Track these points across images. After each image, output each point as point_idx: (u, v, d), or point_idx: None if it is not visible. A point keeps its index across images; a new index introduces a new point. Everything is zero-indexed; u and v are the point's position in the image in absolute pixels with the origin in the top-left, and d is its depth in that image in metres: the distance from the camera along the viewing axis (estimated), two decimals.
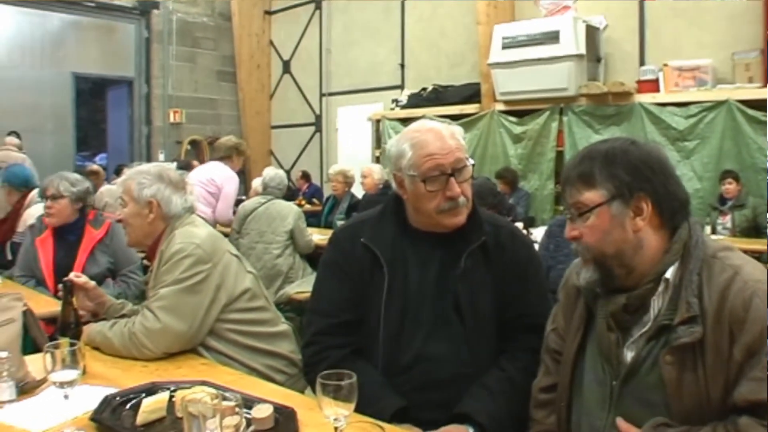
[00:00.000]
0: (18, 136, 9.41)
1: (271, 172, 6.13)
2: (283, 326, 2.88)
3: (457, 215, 2.18)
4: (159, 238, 2.76)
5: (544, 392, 2.01)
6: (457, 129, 2.26)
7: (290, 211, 5.84)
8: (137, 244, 2.91)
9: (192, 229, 2.69)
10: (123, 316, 2.88)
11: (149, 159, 11.55)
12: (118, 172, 8.55)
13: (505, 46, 8.45)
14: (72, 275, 2.71)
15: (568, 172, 1.77)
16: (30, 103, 10.71)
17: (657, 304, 1.68)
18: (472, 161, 2.21)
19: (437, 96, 9.72)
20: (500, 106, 8.97)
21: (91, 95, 12.90)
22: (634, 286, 1.71)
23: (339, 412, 1.65)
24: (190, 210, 2.82)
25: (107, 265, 4.04)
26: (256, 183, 8.35)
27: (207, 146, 12.03)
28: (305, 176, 11.35)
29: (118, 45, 11.78)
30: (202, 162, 9.40)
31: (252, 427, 1.79)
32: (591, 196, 1.71)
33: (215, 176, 6.27)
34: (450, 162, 2.13)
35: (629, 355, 1.71)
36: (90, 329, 2.58)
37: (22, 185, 5.05)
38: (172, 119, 11.92)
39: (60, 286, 2.66)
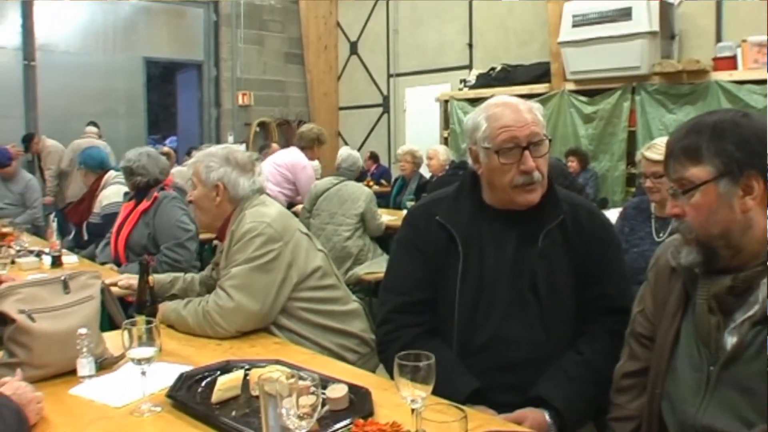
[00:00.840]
0: (96, 125, 9.71)
1: (345, 153, 6.09)
2: (354, 305, 2.86)
3: (531, 192, 2.13)
4: (228, 219, 2.77)
5: (628, 377, 1.93)
6: (535, 105, 2.20)
7: (362, 193, 5.81)
8: (207, 226, 2.91)
9: (262, 209, 2.69)
10: (173, 296, 2.93)
11: (218, 141, 11.68)
12: (189, 154, 8.69)
13: (575, 24, 8.25)
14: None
15: (673, 144, 1.66)
16: (103, 88, 10.95)
17: (766, 287, 1.56)
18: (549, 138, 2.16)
19: (506, 76, 9.56)
20: (570, 86, 8.78)
21: (161, 79, 13.10)
22: (740, 267, 1.59)
23: (416, 393, 1.62)
24: (260, 191, 2.81)
25: (147, 239, 4.13)
26: (316, 165, 8.40)
27: (275, 128, 12.11)
28: (373, 157, 11.33)
29: (187, 29, 11.91)
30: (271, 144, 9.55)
31: (327, 407, 1.77)
32: (697, 172, 1.59)
33: (291, 165, 6.49)
34: (525, 135, 2.09)
35: (730, 340, 1.61)
36: (165, 307, 2.61)
37: (97, 167, 5.14)
38: (240, 102, 12.02)
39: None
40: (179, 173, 5.96)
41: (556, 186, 2.26)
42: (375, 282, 5.28)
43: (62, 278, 2.17)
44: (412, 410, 1.64)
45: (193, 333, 2.55)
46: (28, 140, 9.11)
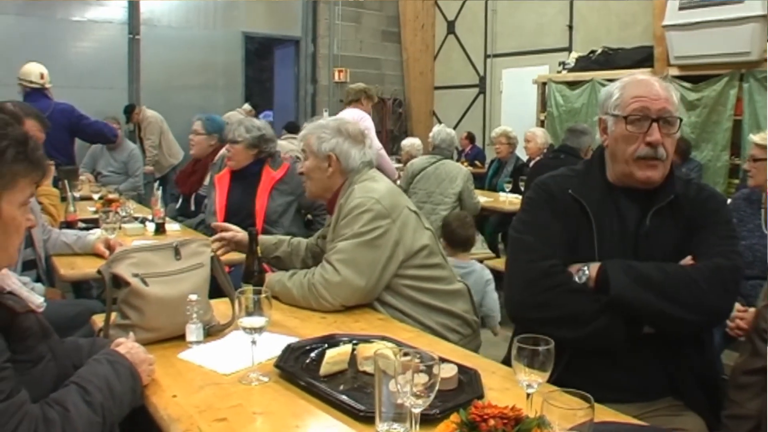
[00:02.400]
0: (254, 106, 10.19)
1: (442, 133, 6.02)
2: (459, 285, 2.81)
3: (653, 168, 2.10)
4: (338, 191, 2.76)
5: (748, 375, 1.82)
6: (671, 86, 2.18)
7: (459, 172, 5.77)
8: (317, 197, 2.93)
9: (371, 184, 2.67)
10: (277, 258, 2.96)
11: (314, 117, 11.72)
12: (288, 128, 8.77)
13: (681, 7, 7.93)
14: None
15: None
16: (203, 61, 11.16)
17: None
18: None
19: (606, 59, 9.28)
20: (674, 71, 8.42)
21: (257, 54, 13.24)
22: None
23: (532, 378, 1.57)
24: (369, 164, 2.80)
25: (284, 205, 4.12)
26: (406, 143, 8.36)
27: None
28: (470, 137, 11.22)
29: (285, 5, 12.00)
30: None
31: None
32: None
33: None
34: (656, 108, 2.08)
35: None
36: (269, 278, 2.62)
37: (214, 131, 5.23)
38: (336, 78, 12.07)
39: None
40: (280, 147, 6.00)
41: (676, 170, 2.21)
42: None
43: (174, 245, 2.20)
44: (527, 395, 1.59)
45: (296, 305, 2.56)
46: (129, 111, 9.36)
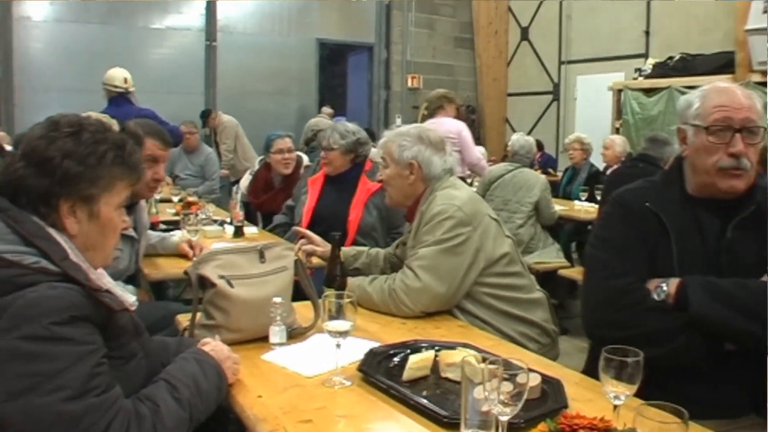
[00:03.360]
0: (332, 107, 10.49)
1: (520, 140, 5.97)
2: (538, 294, 2.79)
3: (737, 177, 2.04)
4: (418, 199, 2.76)
5: None
6: (756, 94, 2.12)
7: (537, 181, 5.70)
8: (398, 205, 2.92)
9: (453, 192, 2.67)
10: (356, 269, 2.96)
11: (386, 123, 11.85)
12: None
13: (766, 10, 7.71)
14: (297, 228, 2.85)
15: None
16: (277, 67, 11.35)
17: None
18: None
19: (685, 65, 9.06)
20: (757, 77, 8.15)
21: (330, 61, 13.36)
22: None
23: (620, 390, 1.54)
24: (450, 171, 2.79)
25: (378, 219, 4.07)
26: (482, 150, 8.32)
27: None
28: (538, 145, 11.08)
29: (359, 12, 12.10)
30: None
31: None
32: None
33: (447, 130, 6.23)
34: (740, 118, 2.02)
35: None
36: (350, 283, 2.64)
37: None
38: (410, 84, 12.10)
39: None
40: None
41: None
42: (544, 272, 5.18)
43: (259, 248, 2.24)
44: (615, 407, 1.57)
45: (376, 310, 2.57)
46: (206, 115, 9.54)
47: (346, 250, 3.01)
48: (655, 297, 2.03)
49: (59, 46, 9.93)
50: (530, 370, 1.79)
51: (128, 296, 1.68)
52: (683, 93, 8.59)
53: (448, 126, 6.21)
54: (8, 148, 7.55)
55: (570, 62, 11.55)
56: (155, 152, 3.22)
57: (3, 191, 1.57)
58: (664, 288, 2.03)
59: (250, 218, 5.21)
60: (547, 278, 5.11)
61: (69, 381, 1.43)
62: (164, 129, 3.56)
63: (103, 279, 1.64)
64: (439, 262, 2.51)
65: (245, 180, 5.94)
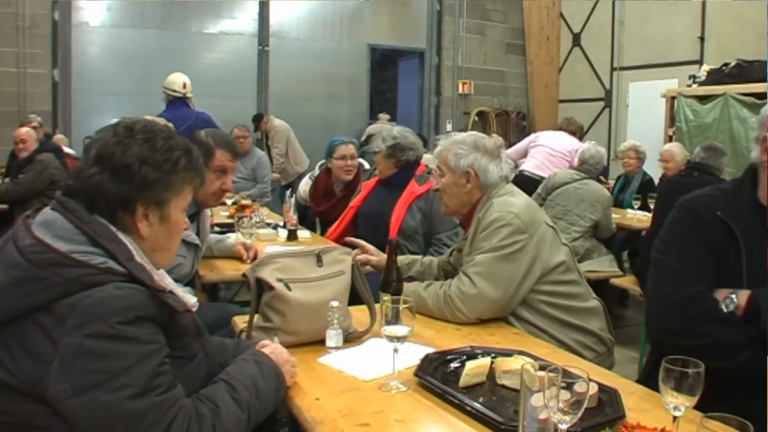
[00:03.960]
0: (388, 112, 10.62)
1: (592, 149, 5.79)
2: (594, 302, 2.77)
3: None
4: (474, 206, 2.76)
5: None
6: None
7: (601, 196, 5.53)
8: (454, 213, 2.92)
9: (510, 199, 2.67)
10: (410, 278, 2.95)
11: (437, 129, 11.87)
12: None
13: None
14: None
15: None
16: (329, 73, 11.42)
17: None
18: None
19: (741, 72, 8.86)
20: None
21: (381, 66, 13.41)
22: None
23: (680, 401, 1.53)
24: (506, 179, 2.79)
25: (418, 222, 4.09)
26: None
27: (494, 118, 12.07)
28: None
29: (410, 18, 12.12)
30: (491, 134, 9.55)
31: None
32: None
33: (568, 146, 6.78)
34: None
35: None
36: (406, 288, 2.64)
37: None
38: (460, 90, 12.06)
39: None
40: None
41: None
42: (595, 280, 5.12)
43: (316, 252, 2.26)
44: (674, 418, 1.55)
45: (431, 315, 2.58)
46: (258, 120, 9.65)
47: (400, 259, 3.01)
48: (723, 308, 1.98)
49: (115, 51, 10.15)
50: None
51: (189, 297, 1.72)
52: (738, 100, 8.46)
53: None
54: (67, 150, 7.77)
55: (622, 69, 11.41)
56: (225, 163, 3.26)
57: (75, 194, 1.61)
58: (734, 299, 1.98)
59: (308, 222, 5.25)
60: (599, 287, 5.05)
61: (133, 379, 1.47)
62: (233, 140, 3.60)
63: (165, 280, 1.68)
64: (495, 269, 2.51)
65: (305, 184, 5.94)
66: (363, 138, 6.68)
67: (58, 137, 8.06)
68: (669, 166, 6.85)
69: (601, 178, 9.79)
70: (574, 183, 5.55)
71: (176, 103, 6.38)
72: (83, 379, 1.44)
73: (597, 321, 2.71)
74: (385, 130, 4.37)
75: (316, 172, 5.77)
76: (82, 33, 10.00)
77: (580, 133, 6.98)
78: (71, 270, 1.49)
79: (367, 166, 5.09)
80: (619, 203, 7.25)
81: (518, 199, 2.69)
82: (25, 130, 6.65)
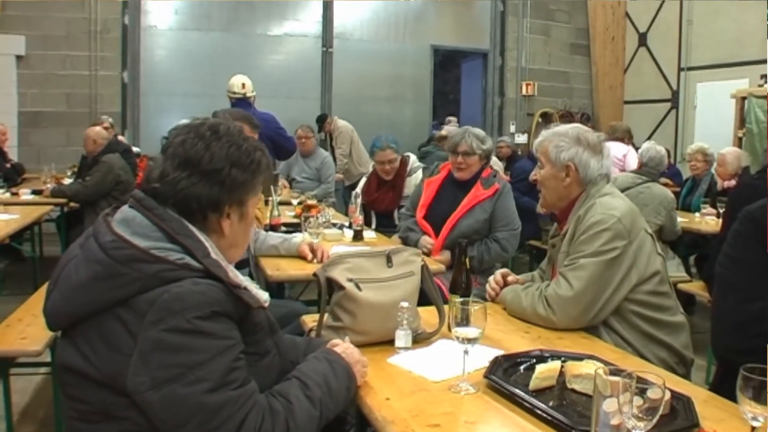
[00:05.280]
0: (452, 113, 10.84)
1: (651, 150, 5.65)
2: (681, 317, 2.67)
3: None
4: (573, 202, 2.69)
5: None
6: None
7: (664, 200, 5.41)
8: (551, 207, 2.82)
9: (612, 201, 2.59)
10: None
11: (500, 130, 11.82)
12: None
13: None
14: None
15: None
16: (392, 74, 11.49)
17: None
18: None
19: None
20: None
21: (443, 67, 13.40)
22: None
23: (759, 411, 1.50)
24: (607, 177, 2.71)
25: (482, 225, 4.17)
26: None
27: (558, 119, 11.93)
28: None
29: (474, 18, 12.08)
30: None
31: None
32: None
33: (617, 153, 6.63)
34: None
35: None
36: (505, 289, 2.68)
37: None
38: (524, 91, 11.98)
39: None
40: None
41: None
42: None
43: (386, 252, 2.28)
44: (753, 428, 1.52)
45: (521, 317, 2.57)
46: (321, 120, 9.75)
47: (524, 278, 2.95)
48: None
49: (182, 53, 10.38)
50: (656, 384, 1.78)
51: (262, 293, 1.75)
52: None
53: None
54: (136, 150, 7.95)
55: (690, 69, 11.18)
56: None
57: (162, 198, 1.65)
58: None
59: (366, 218, 5.31)
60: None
61: (209, 373, 1.50)
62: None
63: (239, 276, 1.71)
64: (594, 274, 2.45)
65: (363, 183, 6.08)
66: (426, 138, 6.69)
67: (121, 138, 8.25)
68: (720, 171, 6.70)
69: (669, 181, 9.66)
70: (636, 187, 5.42)
71: (239, 104, 6.47)
72: (161, 372, 1.48)
73: (682, 337, 2.61)
74: (472, 129, 4.39)
75: (370, 169, 6.00)
76: (150, 36, 10.26)
77: (627, 138, 6.75)
78: (150, 266, 1.53)
79: (414, 161, 5.17)
80: (687, 207, 7.10)
81: (621, 201, 2.61)
82: (93, 130, 6.80)
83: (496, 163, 7.60)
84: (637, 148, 6.76)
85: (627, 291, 2.50)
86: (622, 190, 5.39)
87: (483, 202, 4.17)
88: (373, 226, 5.35)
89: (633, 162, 6.21)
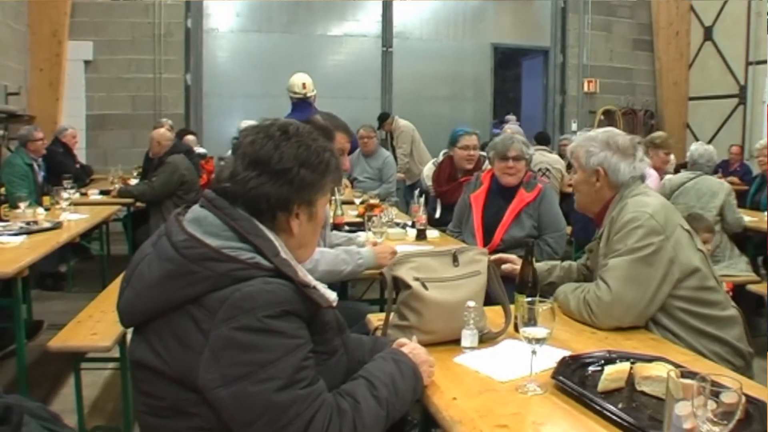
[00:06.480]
0: (506, 112, 10.82)
1: (701, 148, 5.81)
2: (733, 311, 2.64)
3: None
4: (607, 205, 2.71)
5: None
6: None
7: (720, 187, 5.54)
8: (585, 210, 2.87)
9: (644, 198, 2.59)
10: (551, 284, 2.92)
11: (562, 129, 11.71)
12: (539, 140, 8.81)
13: None
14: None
15: None
16: (452, 72, 11.48)
17: None
18: None
19: None
20: None
21: (503, 65, 13.32)
22: None
23: None
24: (641, 178, 2.72)
25: (531, 230, 4.14)
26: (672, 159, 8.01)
27: (620, 117, 11.77)
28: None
29: (534, 16, 11.99)
30: None
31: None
32: None
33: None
34: None
35: None
36: (560, 288, 2.67)
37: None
38: (586, 89, 11.84)
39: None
40: None
41: None
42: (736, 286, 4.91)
43: (452, 252, 2.28)
44: None
45: (572, 317, 2.56)
46: (382, 119, 9.75)
47: (540, 265, 2.95)
48: None
49: (243, 55, 10.56)
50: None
51: (330, 293, 1.76)
52: None
53: None
54: (199, 150, 8.09)
55: (759, 63, 10.87)
56: (344, 145, 3.36)
57: (231, 197, 1.67)
58: None
59: (430, 208, 5.33)
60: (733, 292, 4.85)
61: (279, 372, 1.52)
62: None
63: (308, 276, 1.72)
64: (632, 273, 2.44)
65: (428, 169, 6.25)
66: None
67: (189, 138, 8.40)
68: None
69: (734, 179, 9.45)
70: (690, 181, 5.60)
71: (301, 104, 6.52)
72: (231, 369, 1.50)
73: (735, 331, 2.59)
74: (514, 136, 4.37)
75: (440, 158, 6.05)
76: (212, 38, 10.46)
77: (665, 150, 6.31)
78: (221, 264, 1.56)
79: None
80: (755, 205, 6.93)
81: (653, 198, 2.61)
82: (159, 132, 6.96)
83: (558, 162, 7.51)
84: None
85: (671, 287, 2.49)
86: (678, 187, 5.45)
87: (528, 206, 4.16)
88: (437, 215, 5.37)
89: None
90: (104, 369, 4.35)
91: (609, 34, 12.09)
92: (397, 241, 4.05)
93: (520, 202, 4.17)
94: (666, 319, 2.51)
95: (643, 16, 12.23)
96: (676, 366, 1.87)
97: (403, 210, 6.37)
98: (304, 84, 6.69)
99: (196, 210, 1.69)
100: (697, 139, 10.79)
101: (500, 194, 4.28)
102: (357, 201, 5.74)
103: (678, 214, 2.68)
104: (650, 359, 1.99)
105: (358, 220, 4.69)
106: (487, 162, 4.90)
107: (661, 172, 6.04)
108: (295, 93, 6.66)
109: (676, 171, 7.09)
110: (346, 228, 4.36)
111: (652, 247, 2.45)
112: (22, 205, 5.33)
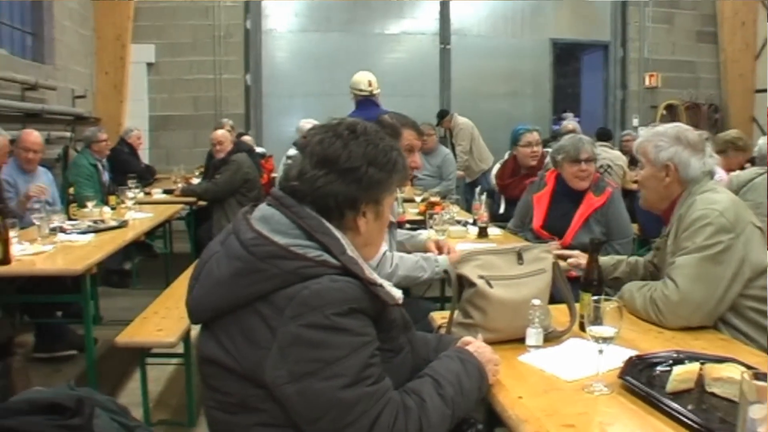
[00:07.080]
0: (565, 109, 10.78)
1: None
2: None
3: None
4: (675, 201, 2.66)
5: None
6: None
7: None
8: (652, 207, 2.81)
9: (713, 195, 2.54)
10: (615, 279, 2.88)
11: (623, 124, 11.50)
12: (600, 136, 8.67)
13: None
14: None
15: None
16: (511, 69, 11.38)
17: None
18: None
19: None
20: None
21: (562, 60, 13.17)
22: None
23: None
24: (710, 174, 2.67)
25: (599, 236, 3.95)
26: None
27: (684, 111, 11.52)
28: None
29: (593, 10, 11.79)
30: None
31: None
32: None
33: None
34: None
35: None
36: (626, 285, 2.64)
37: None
38: (647, 83, 11.59)
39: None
40: None
41: None
42: None
43: (517, 249, 2.27)
44: None
45: (638, 316, 2.52)
46: (441, 117, 9.74)
47: (605, 260, 2.94)
48: None
49: (302, 55, 10.66)
50: None
51: (396, 291, 1.77)
52: None
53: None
54: (258, 149, 8.19)
55: None
56: (412, 142, 3.35)
57: (299, 196, 1.69)
58: None
59: (495, 206, 5.32)
60: None
61: (346, 369, 1.53)
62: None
63: (374, 274, 1.73)
64: (701, 272, 2.40)
65: (495, 169, 6.18)
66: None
67: (246, 138, 8.52)
68: None
69: None
70: (759, 177, 5.33)
71: (365, 102, 6.51)
72: (299, 366, 1.52)
73: None
74: (581, 137, 4.21)
75: (505, 158, 6.00)
76: (271, 39, 10.58)
77: (732, 148, 6.05)
78: (289, 262, 1.58)
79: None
80: None
81: (723, 195, 2.56)
82: (221, 132, 7.09)
83: (619, 158, 7.40)
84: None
85: (741, 286, 2.43)
86: (745, 183, 5.30)
87: (596, 211, 4.01)
88: (501, 210, 5.34)
89: None
90: (168, 364, 4.44)
91: (671, 27, 11.83)
92: (458, 239, 4.05)
93: (588, 206, 4.03)
94: (736, 319, 2.46)
95: (707, 7, 11.93)
96: (748, 367, 1.83)
97: (463, 207, 6.35)
98: (369, 82, 6.67)
99: (263, 208, 1.71)
100: (764, 133, 10.48)
101: (567, 197, 4.13)
102: (417, 199, 5.76)
103: (749, 211, 2.62)
104: (720, 360, 1.95)
105: (419, 218, 4.69)
106: (548, 158, 4.83)
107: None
108: (361, 91, 6.64)
109: (742, 167, 6.86)
110: (408, 226, 4.38)
111: (721, 245, 2.41)
112: (90, 204, 5.48)
